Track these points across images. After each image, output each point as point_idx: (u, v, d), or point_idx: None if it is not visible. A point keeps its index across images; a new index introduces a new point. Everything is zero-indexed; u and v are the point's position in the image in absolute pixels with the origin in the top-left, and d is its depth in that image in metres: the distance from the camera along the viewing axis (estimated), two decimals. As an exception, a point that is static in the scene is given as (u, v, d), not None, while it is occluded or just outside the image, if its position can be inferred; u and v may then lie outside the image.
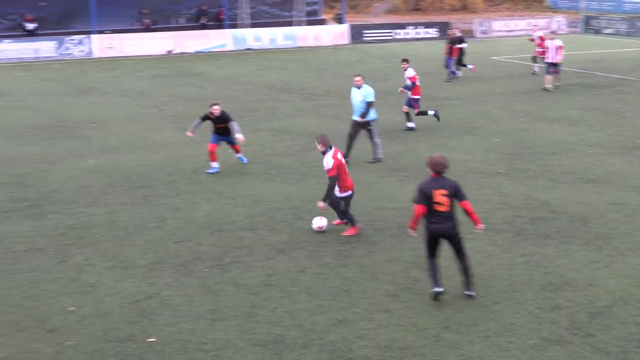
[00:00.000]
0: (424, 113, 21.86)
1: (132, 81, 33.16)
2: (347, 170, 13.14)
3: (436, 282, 10.38)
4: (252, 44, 45.33)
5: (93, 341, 9.63)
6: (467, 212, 10.35)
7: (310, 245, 12.80)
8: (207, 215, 14.41)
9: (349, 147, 17.91)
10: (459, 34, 32.18)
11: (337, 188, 12.97)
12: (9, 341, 9.67)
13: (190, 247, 12.85)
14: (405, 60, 21.98)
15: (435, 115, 21.94)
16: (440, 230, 10.22)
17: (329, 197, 12.93)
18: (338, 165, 12.81)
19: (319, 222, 13.35)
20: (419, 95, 21.67)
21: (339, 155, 12.96)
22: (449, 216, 10.20)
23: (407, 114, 21.65)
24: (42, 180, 17.14)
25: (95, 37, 42.93)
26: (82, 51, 42.63)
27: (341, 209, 13.25)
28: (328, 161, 12.80)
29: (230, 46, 45.01)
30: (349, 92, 18.48)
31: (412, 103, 21.55)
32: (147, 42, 43.56)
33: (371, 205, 14.76)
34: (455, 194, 10.21)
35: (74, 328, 10.00)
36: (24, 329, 10.00)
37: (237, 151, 18.03)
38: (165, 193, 15.96)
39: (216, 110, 17.12)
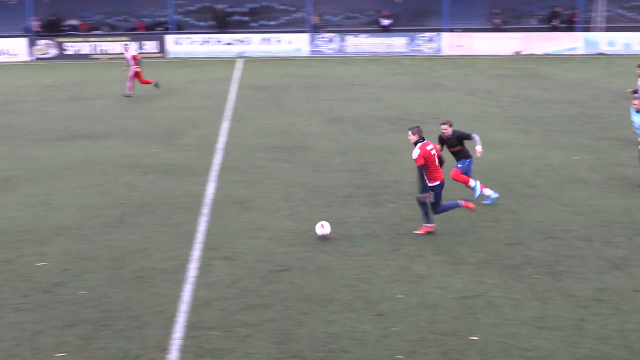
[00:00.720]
0: None
1: (478, 80, 33.39)
2: (436, 162, 13.20)
3: None
4: (604, 48, 43.55)
5: (417, 330, 9.89)
6: None
7: (649, 264, 12.06)
8: (540, 221, 14.13)
9: None
10: None
11: (426, 178, 13.16)
12: (340, 319, 10.23)
13: (521, 250, 12.69)
14: None
15: None
16: None
17: (427, 190, 13.19)
18: (425, 156, 12.98)
19: (321, 230, 13.28)
20: None
21: (429, 147, 13.11)
22: None
23: None
24: (383, 170, 17.88)
25: (445, 35, 43.82)
26: (431, 48, 43.74)
27: (427, 207, 13.36)
28: (415, 151, 13.03)
29: (581, 50, 43.62)
30: None
31: None
32: (495, 42, 43.61)
33: None
34: None
35: (400, 315, 10.33)
36: (355, 309, 10.52)
37: (466, 182, 15.10)
38: (501, 194, 15.89)
39: (446, 130, 14.62)
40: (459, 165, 14.98)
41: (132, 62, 29.58)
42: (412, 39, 43.86)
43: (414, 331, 9.86)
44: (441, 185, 13.34)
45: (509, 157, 19.09)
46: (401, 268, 11.97)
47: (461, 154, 14.92)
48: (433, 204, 13.39)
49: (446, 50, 43.55)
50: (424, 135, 13.24)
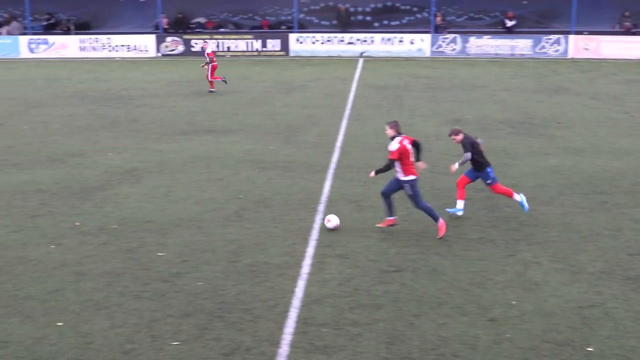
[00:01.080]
0: None
1: (605, 84, 32.39)
2: (410, 157, 13.30)
3: None
4: None
5: (530, 338, 9.68)
6: None
7: None
8: (666, 232, 13.61)
9: None
10: None
11: (400, 171, 13.31)
12: (452, 322, 10.13)
13: (644, 262, 12.25)
14: None
15: None
16: None
17: (381, 172, 13.64)
18: (401, 151, 13.13)
19: (334, 220, 13.75)
20: None
21: (406, 142, 13.28)
22: None
23: None
24: (501, 174, 17.50)
25: (572, 38, 42.67)
26: (556, 51, 42.69)
27: (389, 201, 13.68)
28: (393, 145, 13.17)
29: None
30: None
31: None
32: (625, 46, 42.18)
33: None
34: None
35: (513, 322, 10.14)
36: (467, 314, 10.39)
37: (497, 191, 14.54)
38: (624, 202, 15.38)
39: (453, 139, 14.38)
40: (488, 182, 14.34)
41: (208, 58, 30.64)
42: (537, 41, 42.91)
43: (528, 339, 9.67)
44: (416, 180, 13.42)
45: (634, 164, 18.45)
46: (516, 274, 11.75)
47: (476, 164, 14.32)
48: (413, 196, 13.46)
49: (572, 53, 42.41)
50: (401, 130, 13.46)
